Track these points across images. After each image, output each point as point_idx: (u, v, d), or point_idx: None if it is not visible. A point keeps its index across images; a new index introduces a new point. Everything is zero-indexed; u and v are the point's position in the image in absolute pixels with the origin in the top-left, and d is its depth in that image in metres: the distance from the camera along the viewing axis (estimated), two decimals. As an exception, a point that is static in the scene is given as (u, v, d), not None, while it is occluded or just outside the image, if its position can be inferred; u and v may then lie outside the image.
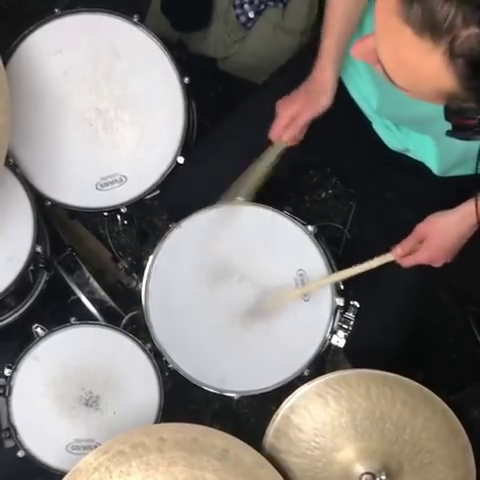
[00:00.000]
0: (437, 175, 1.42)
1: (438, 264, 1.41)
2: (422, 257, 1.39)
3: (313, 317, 1.52)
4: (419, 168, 1.42)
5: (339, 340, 1.50)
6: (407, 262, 1.41)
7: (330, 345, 1.51)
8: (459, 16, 0.72)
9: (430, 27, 0.73)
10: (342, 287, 1.53)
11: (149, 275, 1.55)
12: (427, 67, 0.77)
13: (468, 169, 1.38)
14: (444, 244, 1.38)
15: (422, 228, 1.38)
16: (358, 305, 1.49)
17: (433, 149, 1.36)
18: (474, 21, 0.72)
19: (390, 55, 0.82)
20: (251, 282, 1.55)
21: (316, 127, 1.52)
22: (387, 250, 1.42)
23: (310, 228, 1.53)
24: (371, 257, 1.45)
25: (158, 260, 1.55)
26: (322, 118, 1.51)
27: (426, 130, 1.33)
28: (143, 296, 1.55)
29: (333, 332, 1.51)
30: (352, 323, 1.49)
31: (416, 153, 1.42)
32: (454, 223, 1.36)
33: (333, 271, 1.52)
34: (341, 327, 1.50)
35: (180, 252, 1.55)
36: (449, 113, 0.87)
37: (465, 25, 0.72)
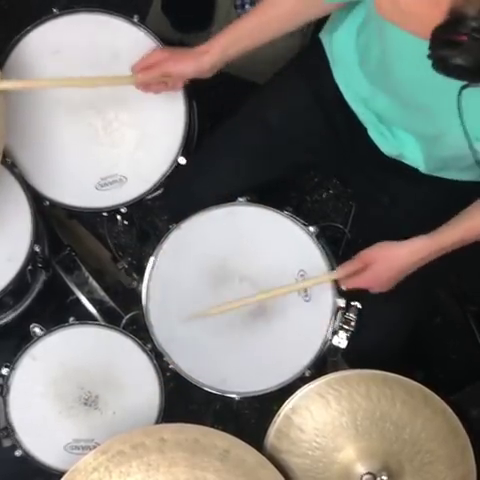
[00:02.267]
0: (432, 179, 1.43)
1: (375, 291, 1.43)
2: (362, 281, 1.42)
3: (314, 318, 1.53)
4: (414, 173, 1.43)
5: (340, 341, 1.50)
6: (347, 284, 1.44)
7: (331, 346, 1.52)
8: None
9: None
10: (343, 288, 1.53)
11: (150, 275, 1.55)
12: None
13: (455, 173, 1.40)
14: (386, 273, 1.40)
15: (369, 253, 1.40)
16: (359, 306, 1.49)
17: (420, 153, 1.37)
18: None
19: None
20: (252, 283, 1.55)
21: (314, 132, 1.53)
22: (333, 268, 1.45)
23: (311, 229, 1.53)
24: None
25: (159, 261, 1.55)
26: (319, 123, 1.52)
27: (415, 125, 1.33)
28: (143, 296, 1.55)
29: (334, 333, 1.51)
30: (353, 323, 1.50)
31: (409, 158, 1.43)
32: (401, 256, 1.37)
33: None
34: (342, 328, 1.50)
35: (181, 253, 1.55)
36: (439, 30, 0.85)
37: None
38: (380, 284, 1.42)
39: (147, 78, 1.46)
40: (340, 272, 1.44)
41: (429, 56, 0.88)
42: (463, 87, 0.94)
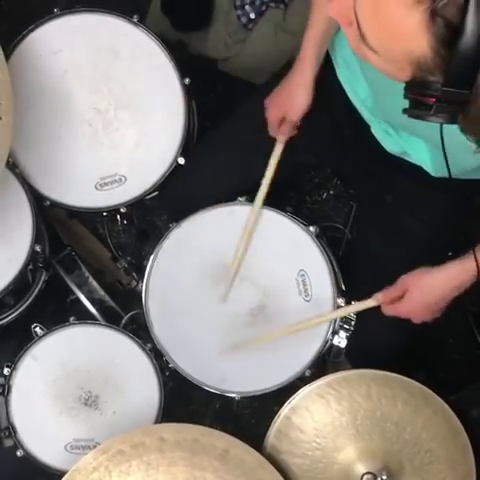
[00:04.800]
0: (436, 177, 1.43)
1: (417, 320, 1.39)
2: (401, 309, 1.37)
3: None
4: (418, 172, 1.42)
5: (340, 340, 1.50)
6: (388, 311, 1.39)
7: (332, 345, 1.52)
8: None
9: None
10: (343, 287, 1.53)
11: (149, 275, 1.55)
12: (406, 23, 0.77)
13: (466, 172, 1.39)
14: (424, 301, 1.35)
15: (406, 280, 1.36)
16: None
17: (427, 153, 1.36)
18: None
19: (371, 9, 0.81)
20: (252, 282, 1.55)
21: (316, 130, 1.53)
22: (369, 296, 1.41)
23: (312, 229, 1.53)
24: (371, 260, 1.46)
25: (158, 260, 1.55)
26: (322, 122, 1.52)
27: (418, 132, 1.33)
28: (143, 296, 1.55)
29: (334, 332, 1.51)
30: (353, 323, 1.49)
31: (413, 156, 1.42)
32: (438, 282, 1.33)
33: (334, 271, 1.52)
34: (342, 327, 1.50)
35: (181, 252, 1.56)
36: (409, 89, 0.86)
37: None
38: (420, 313, 1.38)
39: (289, 134, 1.51)
40: (379, 298, 1.39)
41: (404, 110, 0.89)
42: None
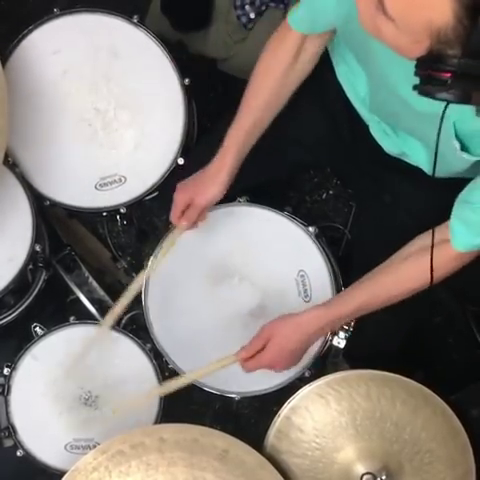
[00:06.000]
0: (434, 178, 1.43)
1: (279, 369, 1.40)
2: (263, 359, 1.37)
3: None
4: (416, 172, 1.42)
5: (340, 341, 1.50)
6: (249, 366, 1.39)
7: (331, 346, 1.52)
8: None
9: None
10: (343, 288, 1.53)
11: (149, 275, 1.55)
12: None
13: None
14: (285, 348, 1.36)
15: (266, 330, 1.37)
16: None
17: (424, 153, 1.37)
18: None
19: None
20: (251, 283, 1.55)
21: (315, 130, 1.53)
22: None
23: (311, 229, 1.53)
24: (370, 260, 1.46)
25: (158, 260, 1.55)
26: (321, 122, 1.51)
27: (414, 131, 1.33)
28: (143, 296, 1.55)
29: (334, 333, 1.51)
30: (353, 324, 1.49)
31: (411, 157, 1.42)
32: (295, 327, 1.34)
33: (334, 272, 1.52)
34: (342, 328, 1.50)
35: (180, 252, 1.55)
36: (422, 64, 0.85)
37: None
38: (282, 361, 1.38)
39: (192, 221, 1.47)
40: (242, 354, 1.38)
41: (415, 87, 0.88)
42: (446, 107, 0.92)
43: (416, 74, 0.86)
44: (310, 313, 1.34)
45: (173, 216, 1.47)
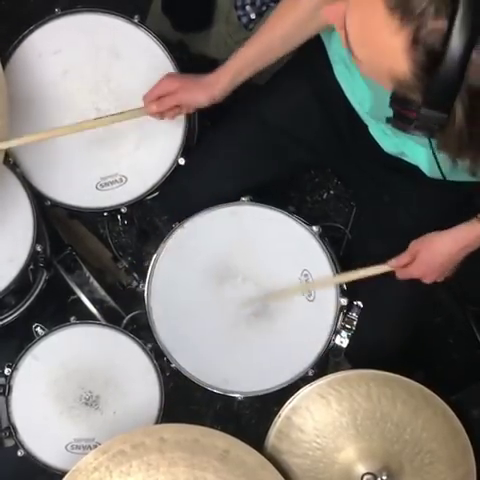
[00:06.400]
0: (433, 178, 1.43)
1: (428, 281, 1.44)
2: (413, 271, 1.42)
3: (317, 317, 1.53)
4: (415, 172, 1.42)
5: (343, 340, 1.50)
6: (401, 274, 1.44)
7: (335, 346, 1.51)
8: (432, 6, 0.74)
9: (403, 8, 0.76)
10: (345, 287, 1.53)
11: (152, 275, 1.55)
12: (389, 45, 0.79)
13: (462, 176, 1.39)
14: (433, 261, 1.41)
15: (415, 245, 1.41)
16: (361, 305, 1.49)
17: (423, 154, 1.37)
18: (445, 15, 0.74)
19: (357, 24, 0.84)
20: (255, 282, 1.55)
21: (315, 130, 1.53)
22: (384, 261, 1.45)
23: (314, 228, 1.53)
24: (370, 260, 1.46)
25: (161, 259, 1.55)
26: (321, 121, 1.51)
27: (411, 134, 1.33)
28: (146, 296, 1.55)
29: (336, 332, 1.51)
30: (355, 323, 1.49)
31: (410, 157, 1.42)
32: (446, 243, 1.39)
33: (337, 272, 1.52)
34: (344, 327, 1.50)
35: (183, 252, 1.56)
36: (393, 100, 0.87)
37: (435, 16, 0.75)
38: (430, 273, 1.43)
39: (161, 109, 1.47)
40: (393, 263, 1.43)
41: (387, 120, 0.91)
42: None
43: (390, 106, 0.88)
44: (458, 231, 1.36)
45: (147, 96, 1.48)
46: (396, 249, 1.45)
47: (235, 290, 1.55)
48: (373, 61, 0.85)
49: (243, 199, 1.55)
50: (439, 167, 1.01)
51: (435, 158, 0.97)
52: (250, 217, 1.55)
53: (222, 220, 1.55)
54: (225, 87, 1.44)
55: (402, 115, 0.87)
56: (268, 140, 1.56)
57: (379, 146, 1.45)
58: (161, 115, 1.49)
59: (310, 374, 1.51)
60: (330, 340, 1.52)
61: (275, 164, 1.60)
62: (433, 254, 1.40)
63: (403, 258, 1.43)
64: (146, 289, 1.55)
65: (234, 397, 1.56)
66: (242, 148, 1.59)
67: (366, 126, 1.45)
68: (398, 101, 0.87)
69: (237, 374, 1.53)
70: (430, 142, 0.93)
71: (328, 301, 1.52)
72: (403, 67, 0.80)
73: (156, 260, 1.55)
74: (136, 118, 1.50)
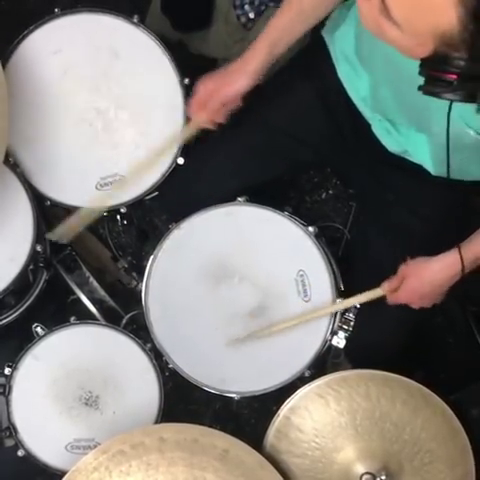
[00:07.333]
0: (436, 177, 1.43)
1: (415, 306, 1.43)
2: (400, 296, 1.41)
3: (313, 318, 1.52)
4: (418, 170, 1.42)
5: (339, 341, 1.50)
6: (390, 299, 1.43)
7: (331, 346, 1.52)
8: None
9: None
10: (342, 288, 1.53)
11: (149, 275, 1.56)
12: None
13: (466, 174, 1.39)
14: (421, 289, 1.39)
15: (404, 269, 1.40)
16: (358, 305, 1.49)
17: (427, 151, 1.36)
18: None
19: None
20: (251, 282, 1.55)
21: (316, 129, 1.53)
22: (377, 285, 1.43)
23: (310, 229, 1.53)
24: (371, 260, 1.46)
25: (158, 260, 1.56)
26: (322, 120, 1.51)
27: (418, 127, 1.32)
28: (143, 296, 1.56)
29: (333, 333, 1.51)
30: (352, 324, 1.49)
31: (414, 155, 1.42)
32: (434, 270, 1.37)
33: (333, 272, 1.52)
34: (341, 328, 1.50)
35: (180, 252, 1.56)
36: (427, 64, 0.85)
37: None
38: (416, 299, 1.41)
39: (211, 114, 1.45)
40: (385, 286, 1.42)
41: (419, 87, 0.88)
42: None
43: (420, 74, 0.86)
44: (445, 258, 1.34)
45: (192, 106, 1.45)
46: (399, 248, 1.45)
47: (232, 290, 1.56)
48: (415, 20, 0.80)
49: (239, 199, 1.55)
50: (448, 164, 0.99)
51: (448, 153, 0.95)
52: (246, 217, 1.55)
53: (218, 220, 1.55)
54: (262, 64, 1.41)
55: (438, 78, 0.83)
56: (270, 140, 1.56)
57: (382, 145, 1.45)
58: (213, 121, 1.48)
59: (306, 375, 1.52)
60: (326, 341, 1.52)
61: (276, 164, 1.60)
62: (421, 282, 1.38)
63: (393, 282, 1.41)
64: (143, 290, 1.55)
65: (232, 397, 1.56)
66: (243, 148, 1.59)
67: (369, 125, 1.45)
68: (434, 64, 0.83)
69: (234, 374, 1.54)
70: (447, 134, 0.91)
71: (324, 302, 1.52)
72: (451, 19, 0.76)
73: (153, 261, 1.55)
74: (191, 135, 1.49)
